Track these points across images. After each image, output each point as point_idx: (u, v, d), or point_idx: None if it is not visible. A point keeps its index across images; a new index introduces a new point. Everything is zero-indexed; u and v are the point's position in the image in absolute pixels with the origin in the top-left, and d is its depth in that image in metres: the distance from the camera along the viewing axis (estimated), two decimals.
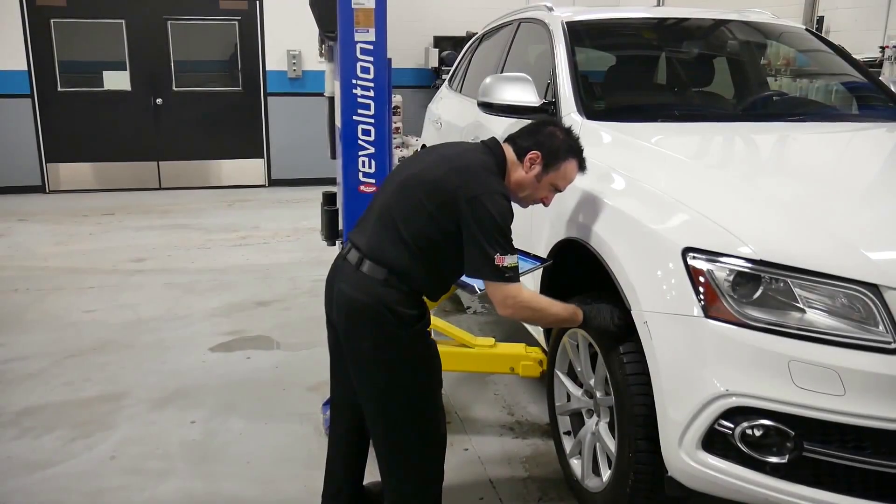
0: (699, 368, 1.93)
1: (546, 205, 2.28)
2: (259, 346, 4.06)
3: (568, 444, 2.67)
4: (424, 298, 2.17)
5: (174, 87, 8.45)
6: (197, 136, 8.54)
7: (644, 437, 2.13)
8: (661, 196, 2.24)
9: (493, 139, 2.28)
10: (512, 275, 2.04)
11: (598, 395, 2.43)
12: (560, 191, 2.27)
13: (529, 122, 2.39)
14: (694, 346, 1.95)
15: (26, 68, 7.87)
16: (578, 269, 2.59)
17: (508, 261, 2.01)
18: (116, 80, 8.30)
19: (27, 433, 3.14)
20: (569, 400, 2.67)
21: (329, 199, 3.09)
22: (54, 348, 4.01)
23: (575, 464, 2.61)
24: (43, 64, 7.99)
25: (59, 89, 8.12)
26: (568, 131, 2.29)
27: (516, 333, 3.45)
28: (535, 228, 2.87)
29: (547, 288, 2.79)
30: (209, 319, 4.48)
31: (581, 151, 2.28)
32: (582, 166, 2.27)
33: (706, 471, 1.95)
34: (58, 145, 8.21)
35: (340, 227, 3.01)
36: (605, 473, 2.39)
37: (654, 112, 3.16)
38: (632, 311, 2.13)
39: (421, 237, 2.06)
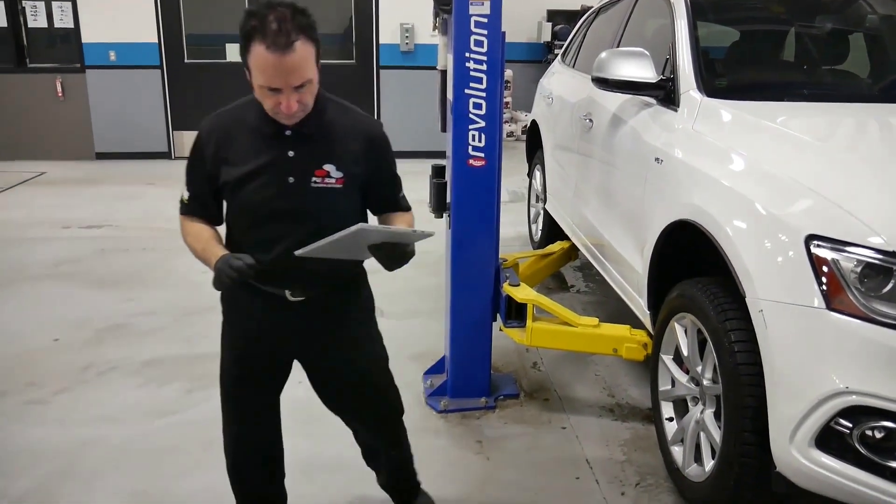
0: (817, 362, 1.84)
1: (286, 112, 1.69)
2: None
3: (670, 430, 2.61)
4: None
5: None
6: None
7: (752, 430, 2.05)
8: (784, 179, 2.13)
9: None
10: (180, 206, 1.94)
11: (705, 383, 2.35)
12: (275, 89, 1.66)
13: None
14: (813, 339, 1.85)
15: (157, 41, 8.29)
16: (692, 253, 2.52)
17: (183, 193, 1.92)
18: (238, 53, 8.62)
19: (151, 382, 3.37)
20: (673, 386, 2.61)
21: (438, 171, 3.12)
22: (176, 305, 4.27)
23: (676, 451, 2.55)
24: (171, 37, 8.40)
25: (185, 61, 8.52)
26: (252, 12, 1.66)
27: (621, 315, 3.39)
28: (648, 208, 2.80)
29: (657, 271, 2.72)
30: None
31: (260, 28, 1.62)
32: (270, 45, 1.61)
33: (818, 470, 1.87)
34: (183, 114, 8.64)
35: (448, 199, 3.03)
36: (708, 464, 2.32)
37: (780, 90, 2.99)
38: (746, 299, 2.04)
39: None
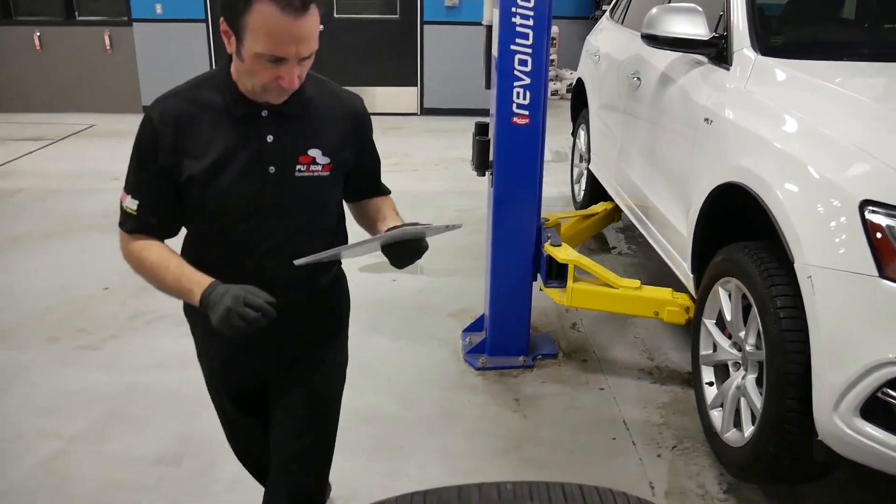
0: (866, 331, 1.80)
1: (288, 87, 1.42)
2: (405, 270, 4.18)
3: (710, 394, 2.59)
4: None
5: (335, 14, 8.63)
6: (355, 62, 8.73)
7: (795, 397, 2.02)
8: (839, 142, 2.07)
9: None
10: (122, 220, 1.57)
11: (748, 348, 2.32)
12: (281, 58, 1.37)
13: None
14: (863, 307, 1.81)
15: None
16: (738, 217, 2.47)
17: (127, 202, 1.54)
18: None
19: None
20: (715, 350, 2.58)
21: (482, 129, 3.09)
22: None
23: (715, 416, 2.53)
24: None
25: None
26: None
27: (663, 278, 3.36)
28: (695, 170, 2.74)
29: (702, 234, 2.67)
30: None
31: None
32: (285, 5, 1.33)
33: (862, 440, 1.84)
34: None
35: (491, 157, 3.01)
36: (748, 429, 2.30)
37: (838, 49, 2.88)
38: (795, 264, 2.00)
39: None
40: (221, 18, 1.40)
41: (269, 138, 1.50)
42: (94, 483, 2.43)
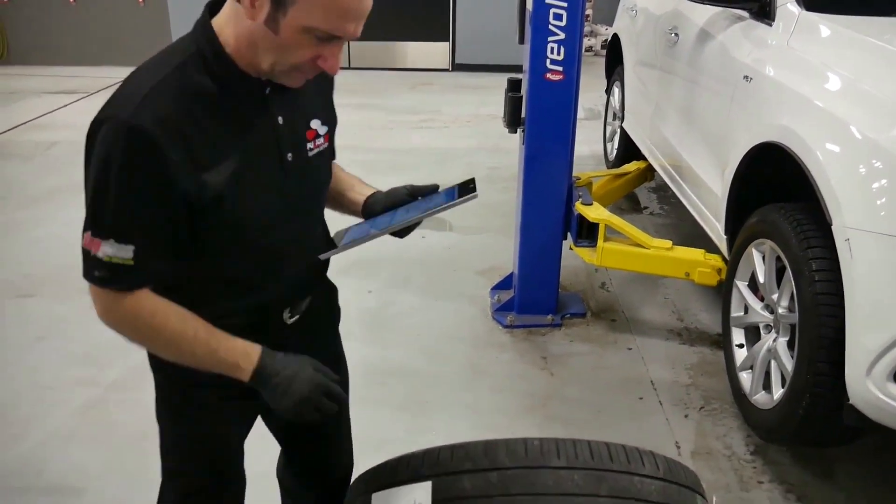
0: None
1: (326, 69, 1.15)
2: (433, 227, 4.18)
3: (739, 356, 2.57)
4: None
5: None
6: (385, 17, 8.59)
7: (827, 361, 2.00)
8: (884, 101, 2.00)
9: None
10: (105, 276, 1.13)
11: (781, 311, 2.29)
12: (336, 37, 1.12)
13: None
14: None
15: None
16: (775, 178, 2.41)
17: (104, 249, 1.10)
18: None
19: None
20: (746, 312, 2.55)
21: (514, 85, 3.04)
22: None
23: (744, 377, 2.52)
24: None
25: None
26: None
27: (695, 239, 3.32)
28: (733, 129, 2.68)
29: (737, 195, 2.62)
30: None
31: None
32: None
33: (895, 404, 1.82)
34: None
35: (523, 114, 2.97)
36: (777, 392, 2.29)
37: (887, 4, 2.77)
38: (832, 226, 1.96)
39: None
40: None
41: (280, 119, 1.22)
42: (128, 430, 2.50)
